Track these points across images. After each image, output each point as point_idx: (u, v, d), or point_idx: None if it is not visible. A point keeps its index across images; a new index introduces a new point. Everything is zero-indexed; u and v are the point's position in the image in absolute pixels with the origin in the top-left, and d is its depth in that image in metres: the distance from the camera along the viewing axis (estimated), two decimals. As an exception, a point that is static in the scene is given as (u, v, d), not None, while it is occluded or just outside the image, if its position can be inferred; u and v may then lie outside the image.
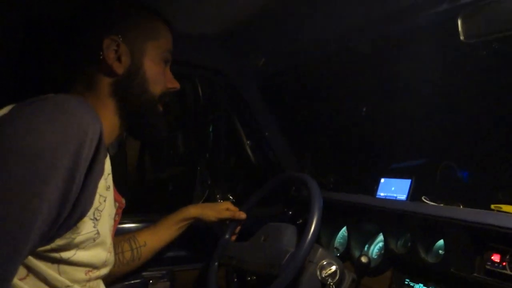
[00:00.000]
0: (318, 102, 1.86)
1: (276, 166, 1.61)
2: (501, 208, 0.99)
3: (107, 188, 0.78)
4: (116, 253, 1.02)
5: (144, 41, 0.82)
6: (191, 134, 1.92)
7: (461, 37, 0.91)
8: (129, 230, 1.20)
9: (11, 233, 0.56)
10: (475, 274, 0.95)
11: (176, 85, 0.91)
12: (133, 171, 1.92)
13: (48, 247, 0.66)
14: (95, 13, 0.81)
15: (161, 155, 2.04)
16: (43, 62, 0.91)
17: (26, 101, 0.64)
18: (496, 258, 0.91)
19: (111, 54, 0.79)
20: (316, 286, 1.02)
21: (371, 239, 1.33)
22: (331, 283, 1.02)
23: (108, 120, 0.80)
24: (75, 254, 0.70)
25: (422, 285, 1.08)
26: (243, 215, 1.27)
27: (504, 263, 0.89)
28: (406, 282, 1.12)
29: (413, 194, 1.22)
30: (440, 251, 1.08)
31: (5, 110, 0.64)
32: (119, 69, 0.79)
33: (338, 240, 1.45)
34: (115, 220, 0.90)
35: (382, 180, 1.35)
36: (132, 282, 1.22)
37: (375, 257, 1.29)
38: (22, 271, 0.66)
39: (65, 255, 0.69)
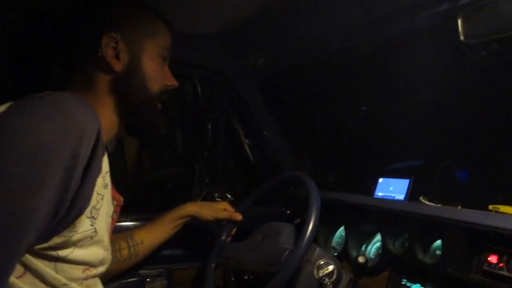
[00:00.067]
0: (317, 102, 1.86)
1: (275, 165, 1.61)
2: (499, 209, 0.98)
3: (105, 186, 0.78)
4: (113, 251, 1.02)
5: (142, 39, 0.83)
6: (190, 133, 1.92)
7: (461, 38, 0.91)
8: (127, 228, 1.20)
9: (8, 231, 0.56)
10: (472, 275, 0.94)
11: (174, 82, 0.91)
12: (132, 170, 1.92)
13: (45, 245, 0.66)
14: (94, 10, 0.81)
15: (159, 154, 2.04)
16: (41, 60, 0.91)
17: (24, 99, 0.64)
18: (493, 259, 0.91)
19: (110, 52, 0.79)
20: (313, 285, 1.02)
21: (368, 239, 1.33)
22: (328, 283, 1.02)
23: (106, 118, 0.80)
24: (72, 252, 0.70)
25: (419, 285, 1.08)
26: (239, 217, 1.27)
27: (501, 264, 0.89)
28: (403, 282, 1.12)
29: (411, 194, 1.22)
30: (438, 252, 1.08)
31: (3, 107, 0.64)
32: (118, 66, 0.80)
33: (336, 240, 1.45)
34: (112, 218, 0.90)
35: (381, 179, 1.34)
36: (129, 280, 1.22)
37: (373, 257, 1.29)
38: (19, 269, 0.66)
39: (62, 253, 0.69)
